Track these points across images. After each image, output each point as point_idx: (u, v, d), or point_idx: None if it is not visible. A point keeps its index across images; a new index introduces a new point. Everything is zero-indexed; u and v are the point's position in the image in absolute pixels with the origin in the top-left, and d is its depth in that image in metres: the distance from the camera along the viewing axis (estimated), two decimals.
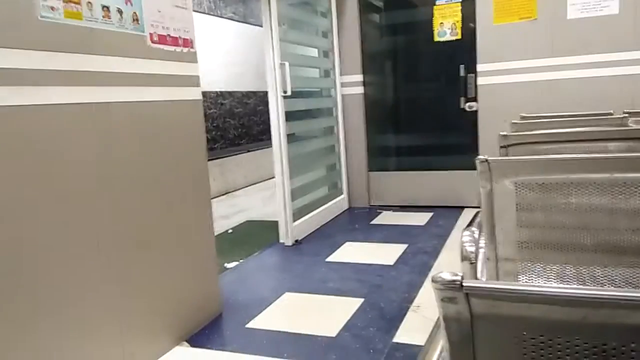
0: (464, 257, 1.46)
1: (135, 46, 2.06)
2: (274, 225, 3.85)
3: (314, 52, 4.45)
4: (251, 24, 7.47)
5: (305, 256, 3.46)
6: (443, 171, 4.52)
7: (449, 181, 4.47)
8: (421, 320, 2.37)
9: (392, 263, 3.17)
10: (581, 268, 1.36)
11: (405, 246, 3.48)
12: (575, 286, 1.31)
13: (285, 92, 3.60)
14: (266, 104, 3.74)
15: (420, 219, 4.20)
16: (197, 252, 2.41)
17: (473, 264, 1.45)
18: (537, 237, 1.36)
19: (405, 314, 2.43)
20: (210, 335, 2.35)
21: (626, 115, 2.69)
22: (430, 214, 4.30)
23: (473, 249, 1.46)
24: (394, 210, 4.55)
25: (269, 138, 3.80)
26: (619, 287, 1.33)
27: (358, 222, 4.30)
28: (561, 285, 1.28)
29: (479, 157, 1.31)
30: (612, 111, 3.04)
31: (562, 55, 3.92)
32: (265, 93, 3.72)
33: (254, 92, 7.52)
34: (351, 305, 2.56)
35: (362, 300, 2.63)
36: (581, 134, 2.05)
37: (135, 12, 2.05)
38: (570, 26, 3.86)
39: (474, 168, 1.34)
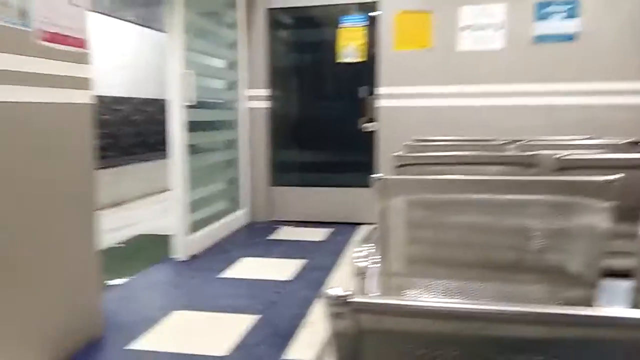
0: (356, 273, 1.48)
1: (18, 42, 1.86)
2: (167, 240, 3.67)
3: (220, 63, 4.37)
4: (155, 29, 7.17)
5: (198, 272, 3.33)
6: (342, 188, 4.63)
7: (348, 198, 4.59)
8: (314, 336, 2.37)
9: (289, 279, 3.16)
10: (464, 283, 1.44)
11: (303, 262, 3.48)
12: (451, 300, 1.38)
13: (188, 101, 3.48)
14: (166, 112, 3.58)
15: (320, 234, 4.24)
16: (75, 269, 2.20)
17: (365, 279, 1.47)
18: (425, 253, 1.42)
19: (298, 330, 2.42)
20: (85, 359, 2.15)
21: (505, 142, 2.95)
22: (330, 230, 4.36)
23: (365, 264, 1.48)
24: (294, 226, 4.56)
25: (167, 148, 3.64)
26: (496, 300, 1.42)
27: (257, 236, 4.25)
28: (438, 300, 1.33)
29: (375, 175, 1.34)
30: (495, 138, 3.32)
31: (453, 84, 4.22)
32: (166, 101, 3.57)
33: (154, 100, 7.20)
34: (244, 323, 2.50)
35: (256, 317, 2.57)
36: (466, 158, 2.20)
37: (22, 6, 1.87)
38: (461, 57, 4.18)
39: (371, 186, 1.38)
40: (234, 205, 4.53)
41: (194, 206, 3.70)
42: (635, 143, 2.64)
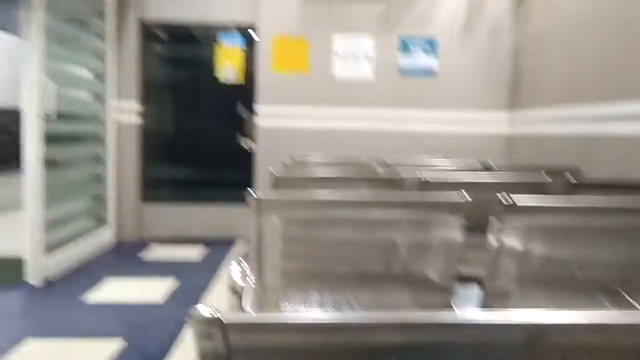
0: (231, 289, 1.47)
1: None
2: (18, 263, 3.27)
3: (85, 73, 4.06)
4: (10, 32, 6.45)
5: (57, 297, 3.01)
6: (219, 205, 4.55)
7: (225, 215, 4.52)
8: (187, 358, 2.27)
9: (160, 301, 3.00)
10: (338, 295, 1.50)
11: (176, 281, 3.33)
12: (319, 313, 1.43)
13: (46, 112, 3.18)
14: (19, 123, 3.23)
15: (195, 252, 4.11)
16: None
17: (240, 296, 1.46)
18: (300, 268, 1.46)
19: (170, 354, 2.30)
20: None
21: (375, 163, 3.14)
22: (205, 248, 4.24)
23: (240, 280, 1.47)
24: (167, 244, 4.35)
25: (19, 163, 3.27)
26: (367, 309, 1.50)
27: (126, 256, 3.98)
28: (306, 313, 1.37)
29: (250, 192, 1.35)
30: (365, 159, 3.52)
31: (328, 107, 4.41)
32: (19, 111, 3.22)
33: (4, 110, 6.44)
34: (109, 349, 2.31)
35: (123, 342, 2.40)
36: (339, 179, 2.30)
37: None
38: (336, 82, 4.39)
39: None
40: (99, 223, 4.20)
41: (50, 225, 3.35)
42: (487, 167, 2.99)
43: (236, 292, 1.46)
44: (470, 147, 4.40)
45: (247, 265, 1.53)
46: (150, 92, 4.48)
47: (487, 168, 2.89)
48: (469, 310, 1.62)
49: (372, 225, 1.45)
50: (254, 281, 1.42)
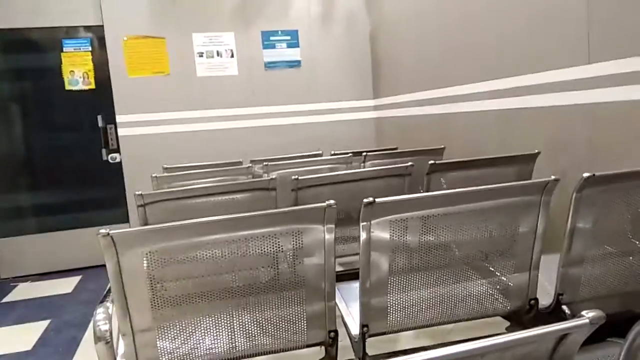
0: (98, 338, 1.32)
1: None
2: None
3: None
4: None
5: None
6: (90, 228, 4.16)
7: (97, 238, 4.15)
8: None
9: (29, 348, 2.67)
10: (216, 316, 1.43)
11: (47, 323, 3.00)
12: None
13: None
14: None
15: (67, 285, 3.73)
16: None
17: (109, 343, 1.33)
18: (171, 300, 1.36)
19: None
20: None
21: (250, 165, 3.08)
22: (78, 277, 3.88)
23: (107, 326, 1.34)
24: (33, 280, 3.91)
25: None
26: (256, 325, 1.45)
27: None
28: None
29: (101, 231, 1.22)
30: (241, 160, 3.44)
31: (196, 109, 4.23)
32: None
33: None
34: None
35: None
36: (212, 189, 2.21)
37: None
38: (200, 82, 4.22)
39: (124, 221, 1.25)
40: None
41: None
42: (358, 153, 3.07)
43: (103, 340, 1.32)
44: (342, 136, 4.52)
45: (111, 307, 1.39)
46: None
47: (359, 157, 2.97)
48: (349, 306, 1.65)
49: (248, 241, 1.39)
50: (121, 325, 1.30)
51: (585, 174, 1.34)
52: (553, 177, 1.38)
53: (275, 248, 1.40)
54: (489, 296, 1.55)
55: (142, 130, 4.14)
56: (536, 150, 2.28)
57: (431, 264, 1.50)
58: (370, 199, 1.32)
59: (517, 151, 2.32)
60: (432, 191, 2.12)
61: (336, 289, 1.48)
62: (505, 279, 1.56)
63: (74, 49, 4.00)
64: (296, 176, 2.17)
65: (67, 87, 4.00)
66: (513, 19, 2.60)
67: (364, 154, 2.97)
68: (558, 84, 2.31)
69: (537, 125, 2.48)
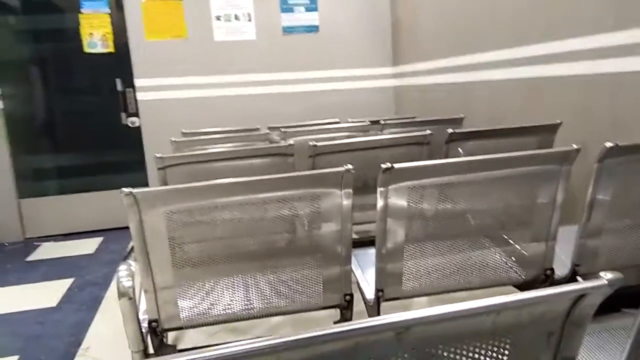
0: (122, 294, 1.37)
1: None
2: None
3: None
4: None
5: None
6: (111, 190, 4.24)
7: (118, 200, 4.22)
8: None
9: (54, 304, 2.78)
10: (236, 277, 1.47)
11: (70, 281, 3.11)
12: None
13: None
14: None
15: (89, 245, 3.84)
16: None
17: (132, 299, 1.38)
18: (191, 258, 1.39)
19: None
20: None
21: (268, 131, 3.09)
22: (100, 239, 3.98)
23: (130, 283, 1.38)
24: (56, 240, 4.02)
25: None
26: (271, 290, 1.48)
27: (10, 260, 3.62)
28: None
29: (124, 190, 1.24)
30: (258, 126, 3.45)
31: (213, 74, 4.22)
32: None
33: None
34: None
35: (13, 357, 2.20)
36: (231, 153, 2.22)
37: None
38: (218, 47, 4.19)
39: (144, 185, 1.28)
40: None
41: None
42: (376, 122, 3.05)
43: (126, 296, 1.37)
44: (360, 103, 4.48)
45: (134, 265, 1.43)
46: (8, 72, 3.97)
47: (377, 125, 2.96)
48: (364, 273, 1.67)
49: (263, 205, 1.41)
50: (144, 282, 1.34)
51: (608, 144, 1.32)
52: (574, 146, 1.37)
53: (292, 211, 1.42)
54: (504, 265, 1.56)
55: (161, 94, 4.15)
56: (558, 121, 2.24)
57: (448, 232, 1.51)
58: (389, 164, 1.32)
59: (538, 121, 2.28)
60: None
61: (352, 255, 1.50)
62: (521, 249, 1.56)
63: (93, 10, 3.98)
64: (314, 142, 2.18)
65: (86, 49, 4.01)
66: None
67: (382, 122, 2.95)
68: (582, 52, 2.25)
69: (560, 95, 2.43)
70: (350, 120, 3.29)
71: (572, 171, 1.41)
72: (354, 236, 1.56)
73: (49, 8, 4.07)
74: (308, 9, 4.31)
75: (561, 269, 1.55)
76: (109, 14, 4.01)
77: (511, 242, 1.58)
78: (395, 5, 4.45)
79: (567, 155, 1.38)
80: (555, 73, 2.45)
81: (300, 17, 4.30)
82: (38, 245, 3.91)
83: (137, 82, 4.09)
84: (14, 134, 4.01)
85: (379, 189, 1.36)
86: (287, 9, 4.27)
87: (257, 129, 3.35)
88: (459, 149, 2.20)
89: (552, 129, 2.24)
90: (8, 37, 4.01)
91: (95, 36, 4.01)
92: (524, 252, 1.55)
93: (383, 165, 1.32)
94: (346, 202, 1.42)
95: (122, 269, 1.44)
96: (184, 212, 1.34)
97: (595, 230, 1.47)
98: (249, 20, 4.20)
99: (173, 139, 2.83)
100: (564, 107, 2.40)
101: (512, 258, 1.58)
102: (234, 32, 4.18)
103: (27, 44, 4.11)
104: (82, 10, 3.97)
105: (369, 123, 3.07)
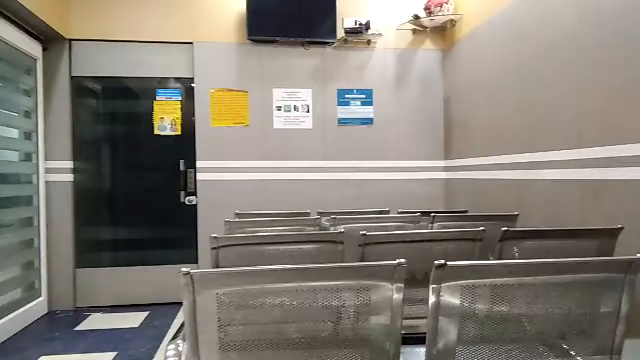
0: None
1: None
2: None
3: (11, 133, 3.87)
4: None
5: None
6: (161, 266, 4.35)
7: (168, 276, 4.33)
8: None
9: None
10: None
11: (114, 355, 3.12)
12: None
13: None
14: None
15: (135, 319, 3.88)
16: None
17: None
18: (238, 342, 1.39)
19: None
20: None
21: (318, 216, 3.14)
22: (146, 314, 4.02)
23: None
24: (104, 312, 4.10)
25: None
26: None
27: (60, 329, 3.70)
28: None
29: (182, 269, 1.29)
30: (309, 211, 3.51)
31: (269, 159, 4.41)
32: None
33: None
34: None
35: None
36: (282, 237, 2.26)
37: None
38: (276, 134, 4.42)
39: (194, 262, 1.32)
40: (31, 294, 3.91)
41: None
42: (427, 213, 3.04)
43: None
44: (411, 194, 4.50)
45: (182, 345, 1.44)
46: (83, 148, 4.32)
47: (428, 217, 2.94)
48: None
49: (312, 293, 1.41)
50: None
51: None
52: (639, 255, 1.31)
53: (341, 302, 1.41)
54: None
55: (219, 176, 4.35)
56: (619, 225, 2.16)
57: (503, 337, 1.44)
58: (442, 261, 1.31)
59: (596, 224, 2.21)
60: (504, 259, 2.06)
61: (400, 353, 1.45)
62: None
63: (166, 98, 4.35)
64: (364, 232, 2.19)
65: (156, 132, 4.33)
66: (593, 91, 2.55)
67: (433, 214, 2.94)
68: None
69: (620, 199, 2.36)
70: (400, 210, 3.30)
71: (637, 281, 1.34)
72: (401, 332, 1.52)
73: (129, 94, 4.48)
74: (364, 104, 4.52)
75: None
76: (180, 101, 4.37)
77: (571, 352, 1.48)
78: (448, 103, 4.59)
79: (632, 264, 1.33)
80: (614, 177, 2.40)
81: (357, 110, 4.51)
82: (88, 316, 4.00)
83: (199, 164, 4.32)
84: (80, 206, 4.27)
85: (432, 286, 1.34)
86: (344, 102, 4.50)
87: (308, 213, 3.41)
88: (515, 248, 2.15)
89: (613, 233, 2.15)
90: (89, 118, 4.40)
91: (166, 120, 4.34)
92: None
93: (436, 262, 1.31)
94: (397, 297, 1.40)
95: (171, 349, 1.45)
96: (236, 295, 1.36)
97: None
98: (308, 111, 4.44)
99: (227, 219, 2.92)
100: (624, 212, 2.32)
101: None
102: (293, 121, 4.42)
103: (104, 125, 4.50)
104: (157, 98, 4.35)
105: (420, 214, 3.06)
